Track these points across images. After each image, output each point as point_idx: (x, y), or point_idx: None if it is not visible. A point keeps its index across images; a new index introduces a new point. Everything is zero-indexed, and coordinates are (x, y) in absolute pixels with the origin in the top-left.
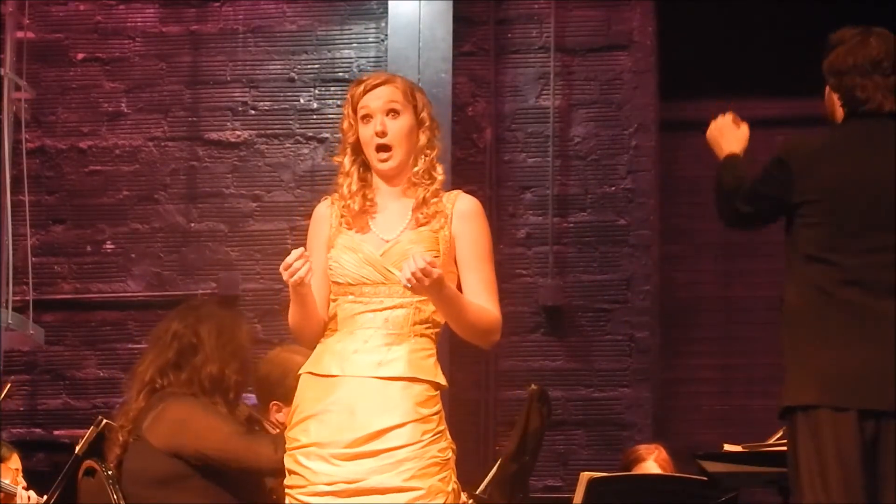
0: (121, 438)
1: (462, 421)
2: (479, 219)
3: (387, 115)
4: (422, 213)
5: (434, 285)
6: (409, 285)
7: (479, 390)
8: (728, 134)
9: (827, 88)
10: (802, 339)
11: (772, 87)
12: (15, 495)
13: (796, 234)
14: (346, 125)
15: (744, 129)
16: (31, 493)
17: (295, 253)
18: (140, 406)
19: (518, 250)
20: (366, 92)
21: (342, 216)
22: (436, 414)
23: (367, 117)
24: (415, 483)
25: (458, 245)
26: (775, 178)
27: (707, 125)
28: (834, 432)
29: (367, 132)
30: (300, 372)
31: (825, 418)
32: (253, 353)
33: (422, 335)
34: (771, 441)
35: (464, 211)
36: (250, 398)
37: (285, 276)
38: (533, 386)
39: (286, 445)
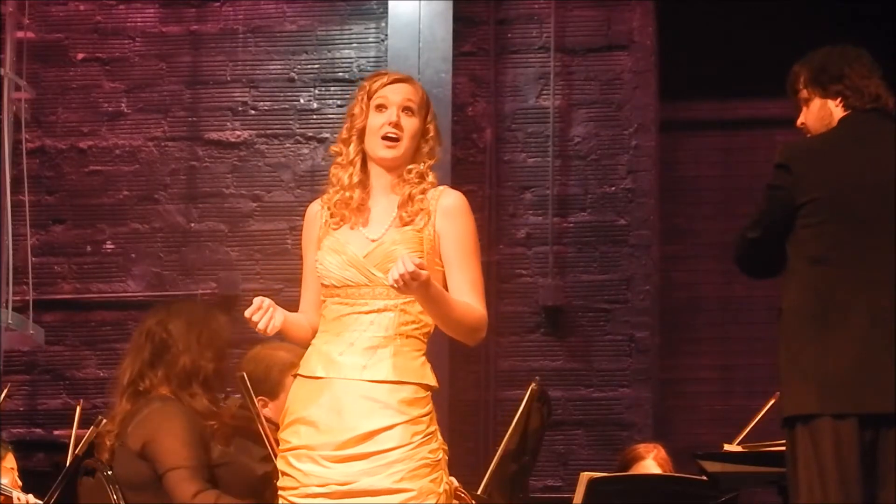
0: (108, 443)
1: (462, 421)
2: (463, 215)
3: (402, 110)
4: (406, 212)
5: (422, 286)
6: (396, 287)
7: (479, 390)
8: None
9: (817, 100)
10: (802, 344)
11: (772, 87)
12: (12, 498)
13: (798, 236)
14: (357, 110)
15: None
16: (30, 496)
17: (255, 303)
18: (125, 409)
19: (518, 250)
20: (388, 84)
21: (331, 215)
22: (426, 415)
23: (381, 107)
24: (405, 484)
25: (442, 242)
26: (779, 188)
27: (707, 125)
28: (835, 440)
29: (378, 120)
30: (293, 374)
31: (826, 426)
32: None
33: (409, 336)
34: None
35: (448, 207)
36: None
37: (251, 324)
38: (533, 385)
39: (279, 448)
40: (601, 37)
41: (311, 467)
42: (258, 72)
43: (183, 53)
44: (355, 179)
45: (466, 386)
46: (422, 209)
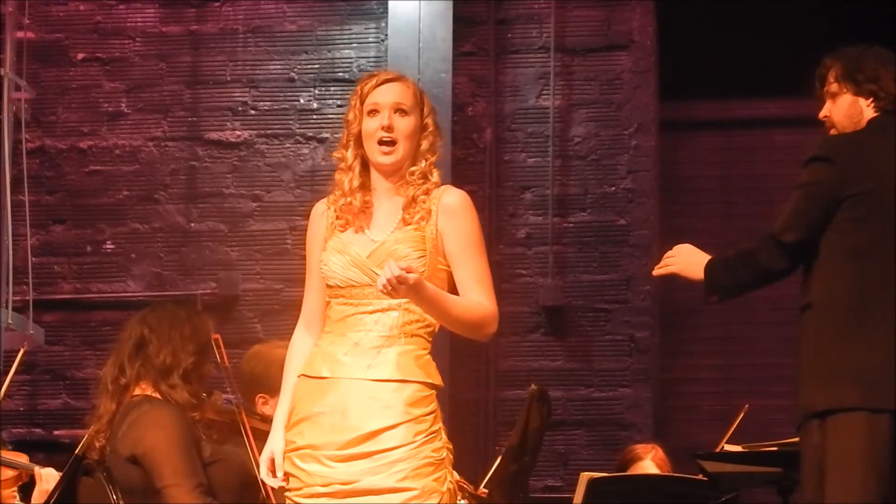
0: (97, 444)
1: (462, 421)
2: (465, 212)
3: (395, 112)
4: (409, 213)
5: (412, 289)
6: (385, 292)
7: (479, 390)
8: (691, 256)
9: (847, 96)
10: (838, 337)
11: (772, 87)
12: (33, 472)
13: (838, 229)
14: (351, 116)
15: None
16: (51, 469)
17: (264, 472)
18: (111, 409)
19: (518, 250)
20: (377, 86)
21: (337, 217)
22: (429, 414)
23: (373, 111)
24: (408, 483)
25: (445, 240)
26: (820, 183)
27: (706, 125)
28: (870, 434)
29: (371, 125)
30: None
31: (862, 420)
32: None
33: (413, 335)
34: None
35: (449, 205)
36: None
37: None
38: (533, 386)
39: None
40: (601, 37)
41: (316, 467)
42: (258, 72)
43: (183, 53)
44: (355, 184)
45: (466, 386)
46: (424, 209)
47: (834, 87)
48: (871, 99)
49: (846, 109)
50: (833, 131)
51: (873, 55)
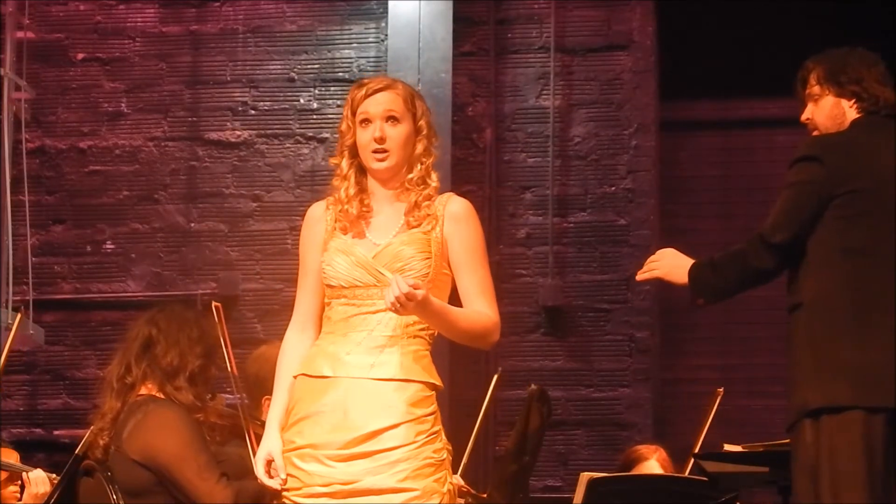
0: (100, 442)
1: (462, 421)
2: (471, 220)
3: (386, 121)
4: (413, 217)
5: (419, 306)
6: (392, 309)
7: (479, 390)
8: (675, 259)
9: (830, 98)
10: (834, 335)
11: (772, 87)
12: (22, 475)
13: (829, 227)
14: (344, 127)
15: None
16: (40, 470)
17: (261, 477)
18: (115, 407)
19: (518, 250)
20: (366, 96)
21: (337, 220)
22: (430, 414)
23: (365, 122)
24: (409, 484)
25: (450, 247)
26: (810, 182)
27: (706, 125)
28: (866, 433)
29: (364, 136)
30: (294, 374)
31: (858, 419)
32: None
33: (415, 336)
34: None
35: (455, 213)
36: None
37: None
38: (533, 386)
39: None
40: (601, 37)
41: (316, 467)
42: (258, 72)
43: (183, 53)
44: (351, 192)
45: (466, 386)
46: (429, 214)
47: (816, 89)
48: (853, 100)
49: (828, 111)
50: (815, 133)
51: (857, 57)
